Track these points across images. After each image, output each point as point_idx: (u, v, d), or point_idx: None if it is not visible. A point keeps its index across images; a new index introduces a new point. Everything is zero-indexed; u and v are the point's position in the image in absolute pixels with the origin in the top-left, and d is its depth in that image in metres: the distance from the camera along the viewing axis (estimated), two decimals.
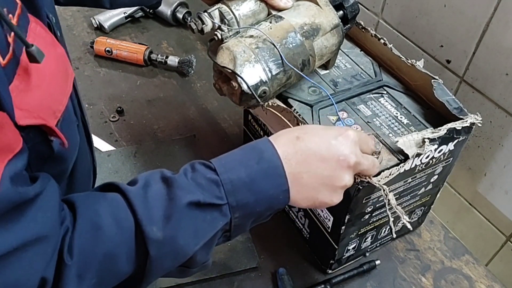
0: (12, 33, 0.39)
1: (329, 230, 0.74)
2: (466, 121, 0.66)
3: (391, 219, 0.61)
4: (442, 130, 0.64)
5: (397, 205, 0.61)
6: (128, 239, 0.47)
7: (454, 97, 0.70)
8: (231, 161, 0.53)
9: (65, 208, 0.47)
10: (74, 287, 0.44)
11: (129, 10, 1.30)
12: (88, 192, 0.52)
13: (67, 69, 0.49)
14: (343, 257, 0.78)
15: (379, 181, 0.60)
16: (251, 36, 0.65)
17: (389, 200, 0.60)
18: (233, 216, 0.52)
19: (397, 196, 0.70)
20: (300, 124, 0.67)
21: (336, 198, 0.55)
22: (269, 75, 0.64)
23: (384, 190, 0.60)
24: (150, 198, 0.49)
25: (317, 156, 0.53)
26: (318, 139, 0.54)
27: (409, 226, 0.62)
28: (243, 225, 0.54)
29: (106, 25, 1.27)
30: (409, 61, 0.74)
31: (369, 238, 0.78)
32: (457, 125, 0.65)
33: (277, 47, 0.64)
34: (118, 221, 0.47)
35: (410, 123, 0.70)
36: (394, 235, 0.63)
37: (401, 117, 0.71)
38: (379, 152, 0.64)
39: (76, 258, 0.44)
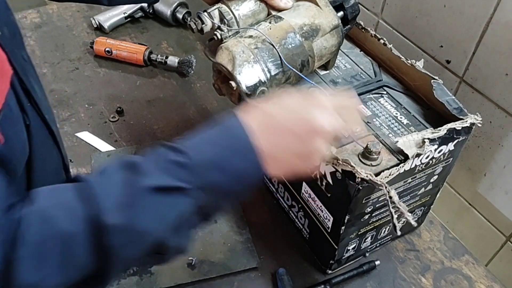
0: None
1: (329, 230, 0.74)
2: (466, 121, 0.66)
3: (395, 216, 0.61)
4: (442, 130, 0.64)
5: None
6: (83, 228, 0.45)
7: (454, 97, 0.70)
8: (198, 141, 0.52)
9: (24, 201, 0.46)
10: (30, 278, 0.43)
11: (129, 10, 1.30)
12: (51, 186, 0.50)
13: (3, 67, 0.47)
14: (343, 257, 0.78)
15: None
16: (251, 37, 0.65)
17: (391, 197, 0.60)
18: (204, 197, 0.50)
19: (397, 196, 0.70)
20: None
21: (312, 165, 0.56)
22: (268, 75, 0.64)
23: (386, 188, 0.60)
24: (107, 185, 0.48)
25: (289, 131, 0.53)
26: (289, 114, 0.53)
27: (412, 222, 0.61)
28: (219, 204, 0.53)
29: (106, 25, 1.27)
30: (409, 61, 0.74)
31: (369, 238, 0.78)
32: (457, 125, 0.65)
33: (276, 47, 0.64)
34: (70, 211, 0.46)
35: (410, 123, 0.70)
36: (399, 233, 0.62)
37: (401, 117, 0.71)
38: (379, 152, 0.64)
39: (30, 250, 0.43)
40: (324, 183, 0.69)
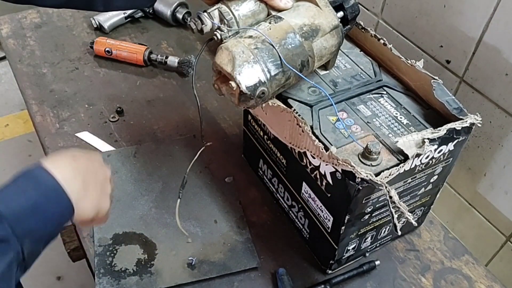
0: None
1: (329, 230, 0.74)
2: (466, 121, 0.66)
3: (395, 216, 0.61)
4: (442, 131, 0.64)
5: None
6: None
7: (454, 97, 0.70)
8: (8, 193, 0.54)
9: None
10: None
11: (129, 10, 1.29)
12: None
13: None
14: (343, 257, 0.78)
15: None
16: (250, 37, 0.65)
17: (391, 197, 0.60)
18: (23, 246, 0.51)
19: (397, 196, 0.70)
20: (300, 124, 0.67)
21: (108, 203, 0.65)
22: (268, 75, 0.64)
23: (386, 187, 0.60)
24: None
25: (92, 173, 0.62)
26: (91, 162, 0.63)
27: (413, 222, 0.61)
28: (37, 251, 0.54)
29: (106, 25, 1.27)
30: (409, 61, 0.74)
31: (369, 238, 0.78)
32: (457, 125, 0.65)
33: (276, 47, 0.64)
34: None
35: (410, 124, 0.70)
36: (399, 233, 0.62)
37: (400, 118, 0.71)
38: (379, 152, 0.64)
39: None
40: (324, 183, 0.69)
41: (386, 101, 0.74)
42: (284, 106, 0.69)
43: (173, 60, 1.16)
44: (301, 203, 0.79)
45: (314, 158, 0.68)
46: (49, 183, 0.55)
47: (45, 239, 0.55)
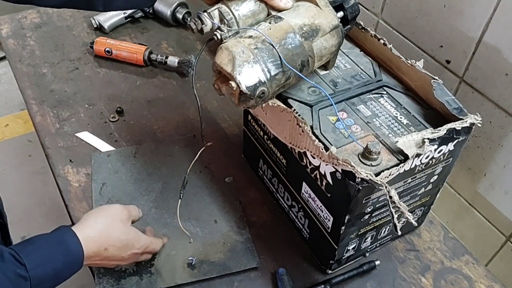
0: None
1: (329, 230, 0.74)
2: (466, 121, 0.66)
3: (395, 216, 0.61)
4: (442, 131, 0.64)
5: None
6: None
7: (454, 97, 0.70)
8: (40, 256, 0.60)
9: None
10: None
11: (129, 10, 1.30)
12: None
13: None
14: (343, 257, 0.78)
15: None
16: (250, 37, 0.65)
17: (391, 197, 0.60)
18: None
19: (397, 196, 0.70)
20: (300, 124, 0.67)
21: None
22: (268, 75, 0.64)
23: (386, 187, 0.60)
24: None
25: (114, 259, 0.71)
26: (119, 252, 0.70)
27: (413, 222, 0.61)
28: None
29: (106, 25, 1.27)
30: (409, 61, 0.74)
31: (369, 238, 0.78)
32: (457, 125, 0.65)
33: (276, 47, 0.64)
34: None
35: (410, 124, 0.70)
36: (399, 233, 0.62)
37: (400, 118, 0.71)
38: (379, 152, 0.64)
39: None
40: (324, 183, 0.69)
41: (386, 101, 0.74)
42: (284, 106, 0.69)
43: (173, 60, 1.16)
44: (301, 203, 0.79)
45: (314, 158, 0.68)
46: (77, 255, 0.63)
47: None
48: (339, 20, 0.70)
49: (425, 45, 0.92)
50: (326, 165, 0.66)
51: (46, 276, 0.59)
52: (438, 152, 0.67)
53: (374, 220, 0.73)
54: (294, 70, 0.65)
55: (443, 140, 0.66)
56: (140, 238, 0.73)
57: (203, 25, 0.67)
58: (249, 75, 0.63)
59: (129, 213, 0.74)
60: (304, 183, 0.75)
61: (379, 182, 0.60)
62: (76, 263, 0.64)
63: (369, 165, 0.64)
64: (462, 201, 0.95)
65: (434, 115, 0.72)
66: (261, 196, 0.92)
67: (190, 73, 1.16)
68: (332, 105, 0.70)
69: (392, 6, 0.96)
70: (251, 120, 0.87)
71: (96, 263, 0.70)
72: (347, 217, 0.68)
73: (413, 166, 0.65)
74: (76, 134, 1.02)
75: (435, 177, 0.74)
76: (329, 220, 0.72)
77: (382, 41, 0.77)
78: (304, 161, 0.72)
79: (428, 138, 0.63)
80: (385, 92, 0.75)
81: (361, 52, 0.82)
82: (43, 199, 1.90)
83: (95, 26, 1.29)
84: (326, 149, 0.64)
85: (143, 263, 0.80)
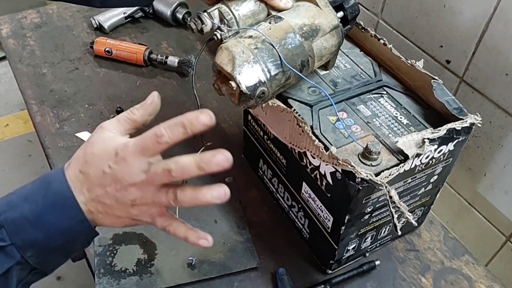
0: None
1: (329, 230, 0.74)
2: (466, 121, 0.66)
3: (395, 216, 0.61)
4: (442, 130, 0.64)
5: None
6: None
7: (453, 97, 0.70)
8: (16, 197, 0.51)
9: None
10: None
11: (129, 10, 1.30)
12: None
13: None
14: (343, 258, 0.78)
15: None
16: (250, 37, 0.65)
17: (391, 197, 0.60)
18: (25, 255, 0.49)
19: (397, 196, 0.70)
20: (300, 124, 0.67)
21: (143, 216, 0.54)
22: (268, 75, 0.64)
23: (386, 187, 0.60)
24: None
25: (102, 185, 0.51)
26: (98, 169, 0.51)
27: (413, 222, 0.61)
28: (50, 260, 0.52)
29: (106, 25, 1.27)
30: (409, 61, 0.74)
31: (369, 238, 0.78)
32: (457, 125, 0.65)
33: (276, 47, 0.64)
34: None
35: (410, 124, 0.70)
36: (399, 232, 0.62)
37: (400, 118, 0.71)
38: (379, 152, 0.64)
39: None
40: (324, 183, 0.69)
41: (386, 101, 0.74)
42: (284, 106, 0.69)
43: (173, 60, 1.16)
44: (301, 203, 0.79)
45: (314, 158, 0.68)
46: (61, 191, 0.50)
47: (56, 251, 0.52)
48: (339, 20, 0.70)
49: (425, 45, 0.92)
50: (326, 165, 0.66)
51: (23, 218, 0.49)
52: (438, 152, 0.67)
53: (374, 220, 0.73)
54: (294, 70, 0.66)
55: (443, 140, 0.66)
56: (126, 141, 0.57)
57: (203, 25, 0.67)
58: (249, 75, 0.63)
59: (119, 122, 0.59)
60: (304, 183, 0.75)
61: (379, 182, 0.60)
62: (63, 199, 0.50)
63: (369, 165, 0.64)
64: (462, 201, 0.95)
65: (434, 115, 0.72)
66: (261, 196, 0.92)
67: (190, 73, 1.16)
68: (332, 105, 0.70)
69: (392, 6, 0.96)
70: (251, 120, 0.87)
71: (93, 200, 0.51)
72: (347, 217, 0.68)
73: (413, 166, 0.65)
74: (76, 134, 1.02)
75: (435, 177, 0.74)
76: (329, 220, 0.72)
77: (382, 41, 0.77)
78: (304, 161, 0.72)
79: (428, 138, 0.63)
80: (385, 92, 0.75)
81: (361, 52, 0.82)
82: None
83: (95, 26, 1.29)
84: (326, 149, 0.64)
85: (143, 262, 0.80)
